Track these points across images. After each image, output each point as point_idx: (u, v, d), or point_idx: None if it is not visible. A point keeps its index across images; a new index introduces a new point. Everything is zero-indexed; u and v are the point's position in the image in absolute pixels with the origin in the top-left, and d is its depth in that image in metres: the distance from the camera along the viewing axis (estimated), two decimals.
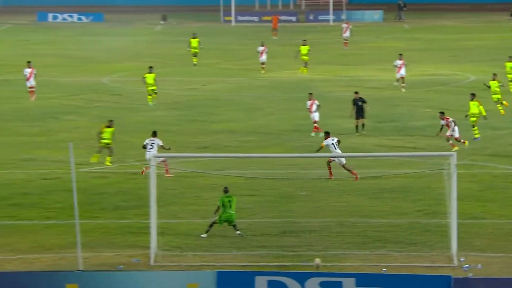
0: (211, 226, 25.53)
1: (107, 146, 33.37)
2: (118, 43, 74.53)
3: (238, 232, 25.50)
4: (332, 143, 31.20)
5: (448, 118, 35.13)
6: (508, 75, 47.74)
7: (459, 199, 24.40)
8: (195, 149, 36.32)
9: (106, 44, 74.00)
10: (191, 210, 27.86)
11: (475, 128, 37.31)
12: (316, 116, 38.59)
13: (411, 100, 46.98)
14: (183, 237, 25.52)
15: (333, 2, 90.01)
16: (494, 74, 43.52)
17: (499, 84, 42.63)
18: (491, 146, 35.59)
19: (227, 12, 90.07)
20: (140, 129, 40.64)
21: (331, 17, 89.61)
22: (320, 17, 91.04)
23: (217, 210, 25.66)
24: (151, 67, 46.43)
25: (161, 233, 24.56)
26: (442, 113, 35.62)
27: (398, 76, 49.30)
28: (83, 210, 27.17)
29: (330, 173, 30.72)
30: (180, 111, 45.01)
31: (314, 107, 38.68)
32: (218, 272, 21.53)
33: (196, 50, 59.53)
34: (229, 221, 25.54)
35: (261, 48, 56.03)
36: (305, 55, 56.02)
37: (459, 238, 24.03)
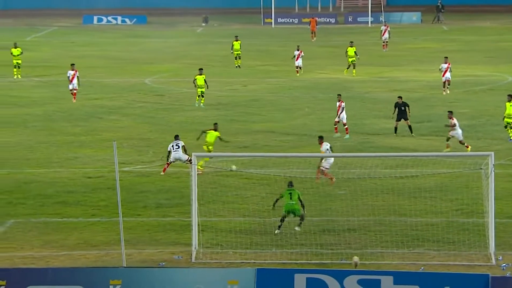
0: (282, 221, 25.59)
1: (208, 150, 32.79)
2: (160, 44, 74.89)
3: (298, 228, 25.53)
4: (327, 149, 31.04)
5: (454, 119, 34.90)
6: None
7: (496, 198, 24.17)
8: (235, 149, 36.37)
9: (148, 45, 74.38)
10: (231, 208, 27.91)
11: (511, 129, 36.96)
12: (344, 117, 38.24)
13: (448, 101, 46.63)
14: (224, 234, 25.56)
15: (372, 4, 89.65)
16: None
17: None
18: None
19: (267, 14, 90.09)
20: (182, 129, 40.77)
21: (369, 19, 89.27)
22: (359, 19, 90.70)
23: (275, 202, 25.76)
24: (201, 69, 46.45)
25: (202, 230, 24.63)
26: (450, 112, 35.48)
27: (443, 79, 48.21)
28: (126, 208, 27.37)
29: (327, 176, 30.57)
30: (221, 111, 45.09)
31: (340, 109, 38.28)
32: (258, 269, 21.52)
33: (239, 53, 59.63)
34: (293, 212, 25.54)
35: (297, 52, 55.72)
36: (352, 56, 55.63)
37: (497, 237, 23.82)
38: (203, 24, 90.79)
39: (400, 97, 39.22)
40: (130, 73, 58.35)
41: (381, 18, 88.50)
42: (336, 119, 38.47)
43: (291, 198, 25.55)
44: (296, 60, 55.71)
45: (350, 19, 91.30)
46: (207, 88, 45.78)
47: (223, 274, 21.49)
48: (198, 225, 24.24)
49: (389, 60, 62.56)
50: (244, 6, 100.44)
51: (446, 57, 48.78)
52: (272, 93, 50.22)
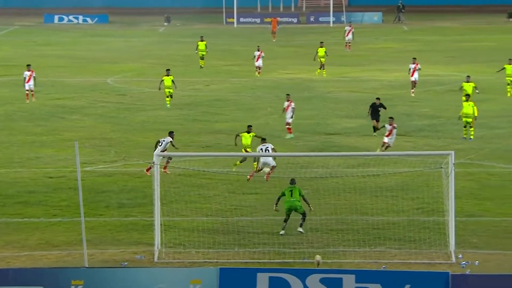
0: (285, 221, 25.56)
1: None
2: (123, 44, 74.54)
3: (300, 229, 25.46)
4: (261, 148, 30.95)
5: (394, 125, 34.46)
6: (508, 78, 47.18)
7: (457, 197, 24.38)
8: (198, 148, 36.32)
9: (110, 45, 74.02)
10: (193, 207, 27.86)
11: (472, 128, 37.30)
12: (289, 118, 38.06)
13: (409, 101, 46.95)
14: (186, 234, 25.51)
15: (333, 4, 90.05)
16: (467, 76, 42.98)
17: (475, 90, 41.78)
18: (488, 146, 35.57)
19: (230, 14, 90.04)
20: (144, 128, 40.67)
21: (331, 18, 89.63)
22: (321, 19, 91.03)
23: (277, 201, 25.74)
24: (168, 70, 46.21)
25: (164, 230, 24.57)
26: (391, 118, 34.85)
27: (412, 79, 47.81)
28: (88, 208, 27.21)
29: (253, 175, 30.70)
30: (184, 110, 45.00)
31: (289, 109, 38.16)
32: (221, 268, 21.52)
33: (204, 53, 59.38)
34: (295, 209, 25.49)
35: (257, 53, 55.15)
36: (322, 57, 55.44)
37: (457, 235, 24.03)
38: (165, 24, 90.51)
39: (378, 98, 39.10)
40: (92, 73, 58.02)
41: (342, 18, 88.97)
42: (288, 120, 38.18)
43: (291, 195, 25.53)
44: (256, 60, 55.13)
45: (312, 19, 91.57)
46: (175, 88, 45.61)
47: (185, 274, 21.45)
48: (161, 224, 24.17)
49: (351, 60, 62.82)
50: (206, 6, 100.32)
51: (415, 58, 48.42)
52: (234, 93, 50.22)
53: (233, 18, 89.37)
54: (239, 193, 29.45)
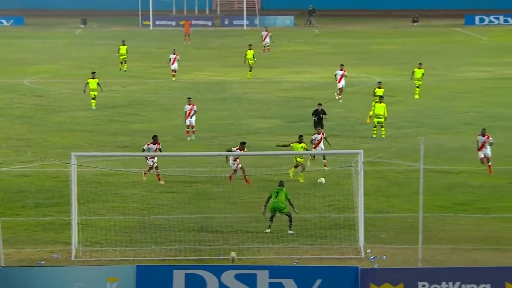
0: (271, 220, 25.50)
1: (297, 162, 31.16)
2: (39, 45, 73.42)
3: (290, 231, 25.35)
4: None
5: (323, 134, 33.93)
6: (416, 81, 47.65)
7: (366, 194, 24.76)
8: (115, 148, 36.05)
9: (26, 47, 72.82)
10: (110, 207, 27.65)
11: (383, 128, 37.93)
12: (193, 120, 37.69)
13: (319, 101, 47.36)
14: (104, 232, 25.31)
15: (247, 7, 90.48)
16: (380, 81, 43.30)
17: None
18: (396, 145, 36.22)
19: (146, 17, 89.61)
20: (61, 129, 40.19)
21: (245, 22, 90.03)
22: (235, 22, 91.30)
23: (266, 203, 25.66)
24: (94, 72, 45.59)
25: (81, 229, 24.32)
26: (320, 127, 34.09)
27: (339, 86, 46.97)
28: (5, 208, 26.77)
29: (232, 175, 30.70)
30: (100, 111, 44.57)
31: (192, 112, 37.70)
32: (138, 266, 21.42)
33: (125, 57, 58.49)
34: (279, 209, 25.47)
35: (172, 56, 54.21)
36: (251, 59, 55.09)
37: (366, 231, 24.40)
38: (82, 26, 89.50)
39: (319, 104, 38.19)
40: (8, 74, 56.96)
41: (256, 21, 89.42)
42: (188, 123, 37.53)
43: (276, 197, 25.54)
44: (172, 64, 54.24)
45: (226, 22, 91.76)
46: (101, 91, 44.97)
47: (102, 272, 21.28)
48: (78, 223, 23.93)
49: (264, 62, 63.11)
50: (122, 8, 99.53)
51: (342, 65, 47.55)
52: (151, 94, 49.97)
53: (149, 20, 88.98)
54: (156, 192, 29.35)
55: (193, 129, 37.71)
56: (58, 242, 24.54)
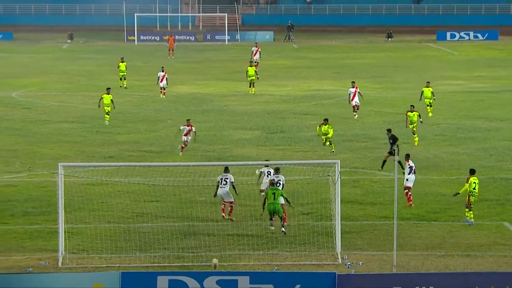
0: (271, 218, 25.35)
1: None
2: (27, 59, 73.14)
3: (283, 230, 25.32)
4: (261, 171, 29.27)
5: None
6: (426, 100, 44.78)
7: (342, 202, 24.79)
8: (101, 159, 35.90)
9: (15, 60, 72.52)
10: (97, 215, 27.51)
11: (332, 145, 36.66)
12: (188, 140, 36.99)
13: (298, 113, 47.50)
14: (90, 240, 25.18)
15: (228, 23, 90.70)
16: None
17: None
18: (371, 155, 36.29)
19: (131, 32, 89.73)
20: (49, 140, 40.01)
21: (226, 37, 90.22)
22: (217, 37, 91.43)
23: (264, 203, 25.51)
24: (108, 88, 45.14)
25: (68, 237, 24.19)
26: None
27: (352, 103, 44.34)
28: None
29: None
30: (87, 123, 44.41)
31: (191, 133, 36.94)
32: (122, 272, 21.33)
33: (124, 74, 57.45)
34: (276, 212, 25.33)
35: (161, 74, 52.55)
36: (252, 76, 53.57)
37: (342, 238, 24.42)
38: (69, 41, 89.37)
39: (389, 130, 34.70)
40: None
41: (237, 37, 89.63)
42: (184, 139, 36.56)
43: (274, 198, 25.33)
44: (161, 81, 52.51)
45: (208, 37, 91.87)
46: (114, 108, 44.37)
47: (88, 278, 21.17)
48: (65, 231, 23.80)
49: (244, 75, 63.14)
50: (108, 24, 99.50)
51: (354, 82, 45.54)
52: (136, 106, 49.85)
53: (134, 36, 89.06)
54: (140, 201, 29.24)
55: (186, 146, 37.12)
56: (46, 250, 24.38)
